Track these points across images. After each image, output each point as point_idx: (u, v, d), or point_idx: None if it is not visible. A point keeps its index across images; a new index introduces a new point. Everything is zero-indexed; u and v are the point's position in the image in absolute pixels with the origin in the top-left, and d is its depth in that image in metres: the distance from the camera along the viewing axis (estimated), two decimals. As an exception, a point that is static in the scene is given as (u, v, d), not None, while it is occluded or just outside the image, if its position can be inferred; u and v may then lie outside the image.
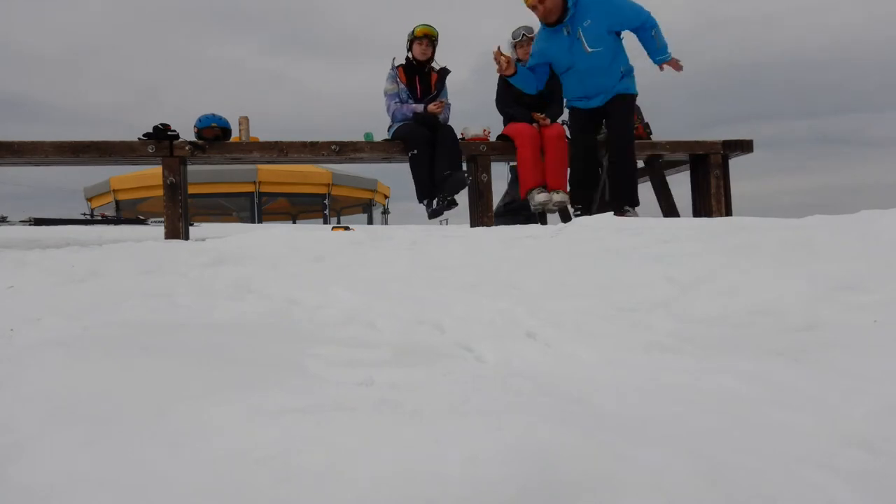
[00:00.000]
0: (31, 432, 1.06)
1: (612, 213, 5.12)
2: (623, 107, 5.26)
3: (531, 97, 5.88)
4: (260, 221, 18.20)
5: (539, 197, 5.68)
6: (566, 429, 1.03)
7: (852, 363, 1.48)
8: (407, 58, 5.76)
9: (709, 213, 5.94)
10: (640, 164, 6.59)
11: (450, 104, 5.83)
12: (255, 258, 3.19)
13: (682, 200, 6.41)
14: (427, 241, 3.60)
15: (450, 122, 5.79)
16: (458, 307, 2.12)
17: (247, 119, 5.74)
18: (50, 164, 5.66)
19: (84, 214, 18.07)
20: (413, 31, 5.71)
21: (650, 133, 6.37)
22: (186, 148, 5.32)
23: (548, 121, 5.81)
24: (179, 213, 5.25)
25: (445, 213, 5.54)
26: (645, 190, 6.67)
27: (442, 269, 2.75)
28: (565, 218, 5.73)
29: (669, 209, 6.42)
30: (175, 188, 5.27)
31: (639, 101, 6.54)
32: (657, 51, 5.21)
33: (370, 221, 22.37)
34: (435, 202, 5.44)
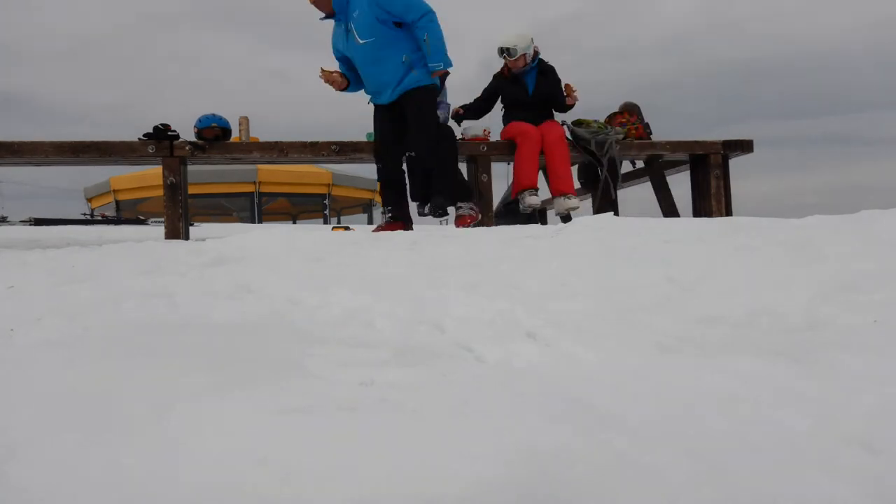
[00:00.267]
0: (30, 432, 1.06)
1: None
2: (416, 101, 4.70)
3: (528, 101, 5.87)
4: (260, 221, 18.19)
5: (529, 199, 5.68)
6: (566, 429, 1.03)
7: (852, 363, 1.48)
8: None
9: (709, 214, 5.93)
10: (640, 164, 6.60)
11: (449, 104, 5.83)
12: (255, 258, 3.19)
13: (682, 200, 6.42)
14: (427, 241, 3.60)
15: (450, 122, 5.79)
16: (458, 307, 2.12)
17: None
18: (50, 164, 5.66)
19: (84, 214, 18.07)
20: None
21: (650, 133, 6.38)
22: (186, 148, 5.32)
23: (576, 92, 5.94)
24: (179, 213, 5.25)
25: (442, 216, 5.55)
26: (645, 190, 6.68)
27: (442, 269, 2.75)
28: (565, 218, 5.73)
29: (669, 209, 6.42)
30: (175, 188, 5.27)
31: (639, 101, 6.54)
32: (429, 57, 4.66)
33: (370, 221, 22.34)
34: (427, 208, 5.46)
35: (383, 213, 5.28)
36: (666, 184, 6.50)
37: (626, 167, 6.51)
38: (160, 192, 5.64)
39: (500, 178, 6.34)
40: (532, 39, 5.87)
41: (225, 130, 5.47)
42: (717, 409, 1.23)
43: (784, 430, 1.13)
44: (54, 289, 2.53)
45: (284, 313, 2.11)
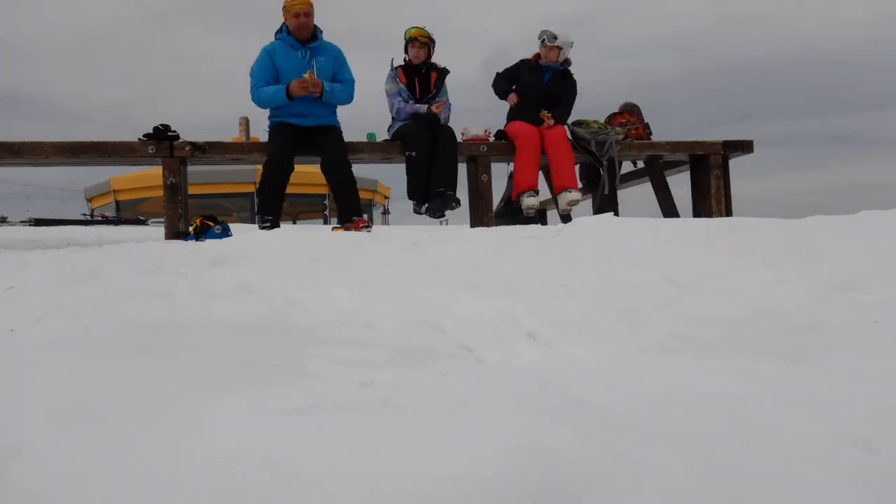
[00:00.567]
0: (31, 432, 1.06)
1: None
2: (334, 133, 5.35)
3: (537, 95, 5.88)
4: (260, 222, 18.12)
5: (528, 201, 5.69)
6: (566, 429, 1.03)
7: (852, 363, 1.48)
8: (405, 59, 5.76)
9: (709, 214, 5.93)
10: (641, 164, 6.60)
11: (450, 104, 5.82)
12: (254, 258, 3.19)
13: (682, 201, 6.41)
14: (427, 242, 3.60)
15: (452, 121, 5.79)
16: (458, 307, 2.12)
17: (247, 119, 5.75)
18: (50, 165, 5.66)
19: (84, 215, 18.06)
20: (406, 34, 5.73)
21: (650, 133, 6.38)
22: (186, 148, 5.31)
23: (552, 121, 5.80)
24: (179, 213, 5.25)
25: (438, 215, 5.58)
26: (645, 190, 6.69)
27: (442, 270, 2.75)
28: (566, 218, 5.73)
29: (669, 209, 6.42)
30: (175, 189, 5.27)
31: (639, 101, 6.54)
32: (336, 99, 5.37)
33: (370, 222, 22.30)
34: (424, 208, 5.47)
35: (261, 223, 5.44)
36: (666, 184, 6.50)
37: (626, 167, 6.51)
38: (160, 193, 5.63)
39: (500, 178, 6.35)
40: (572, 44, 5.95)
41: None
42: (717, 409, 1.23)
43: (784, 430, 1.13)
44: (54, 289, 2.53)
45: (284, 313, 2.11)
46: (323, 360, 1.50)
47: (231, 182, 18.57)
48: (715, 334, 1.83)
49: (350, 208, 5.15)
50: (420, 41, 5.68)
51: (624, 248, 2.94)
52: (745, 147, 6.18)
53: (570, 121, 6.11)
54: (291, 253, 3.29)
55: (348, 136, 5.43)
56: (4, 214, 12.43)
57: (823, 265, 2.28)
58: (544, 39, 5.88)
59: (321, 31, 5.33)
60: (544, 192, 6.16)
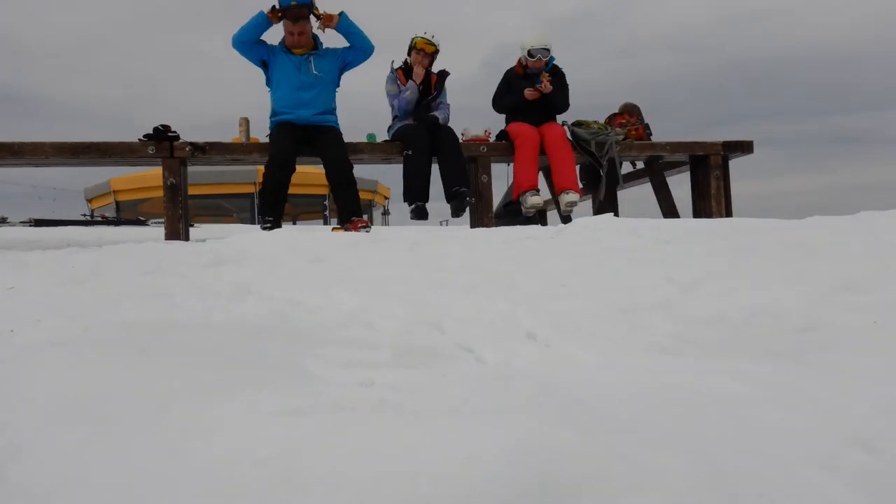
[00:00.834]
0: (31, 432, 1.06)
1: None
2: (332, 133, 5.36)
3: (534, 101, 5.85)
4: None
5: (531, 200, 5.68)
6: (566, 429, 1.03)
7: (852, 363, 1.48)
8: (405, 61, 5.75)
9: (709, 214, 5.93)
10: (641, 164, 6.60)
11: (449, 105, 5.82)
12: (255, 259, 3.19)
13: (682, 201, 6.41)
14: (427, 243, 3.60)
15: (453, 121, 5.79)
16: (458, 308, 2.12)
17: (247, 120, 5.74)
18: (50, 165, 5.66)
19: (84, 215, 18.04)
20: (413, 41, 5.67)
21: (650, 134, 6.38)
22: (186, 149, 5.31)
23: (550, 86, 5.73)
24: (179, 214, 5.25)
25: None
26: (645, 190, 6.69)
27: (442, 271, 2.75)
28: (566, 219, 5.73)
29: (669, 210, 6.42)
30: (175, 189, 5.27)
31: (639, 101, 6.54)
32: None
33: (370, 222, 22.29)
34: (414, 208, 5.47)
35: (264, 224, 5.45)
36: (666, 184, 6.50)
37: (626, 168, 6.51)
38: (160, 193, 5.63)
39: (500, 178, 6.34)
40: (550, 48, 5.92)
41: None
42: (717, 409, 1.23)
43: (784, 430, 1.13)
44: (54, 289, 2.53)
45: (284, 314, 2.11)
46: (323, 360, 1.50)
47: (231, 182, 18.58)
48: (715, 334, 1.83)
49: (350, 209, 5.16)
50: (425, 52, 5.65)
51: (624, 249, 2.94)
52: (745, 147, 6.18)
53: (570, 121, 6.11)
54: (291, 253, 3.29)
55: (348, 136, 5.43)
56: (4, 215, 12.41)
57: (823, 265, 2.28)
58: (538, 57, 5.85)
59: (321, 43, 5.35)
60: (544, 193, 6.16)
